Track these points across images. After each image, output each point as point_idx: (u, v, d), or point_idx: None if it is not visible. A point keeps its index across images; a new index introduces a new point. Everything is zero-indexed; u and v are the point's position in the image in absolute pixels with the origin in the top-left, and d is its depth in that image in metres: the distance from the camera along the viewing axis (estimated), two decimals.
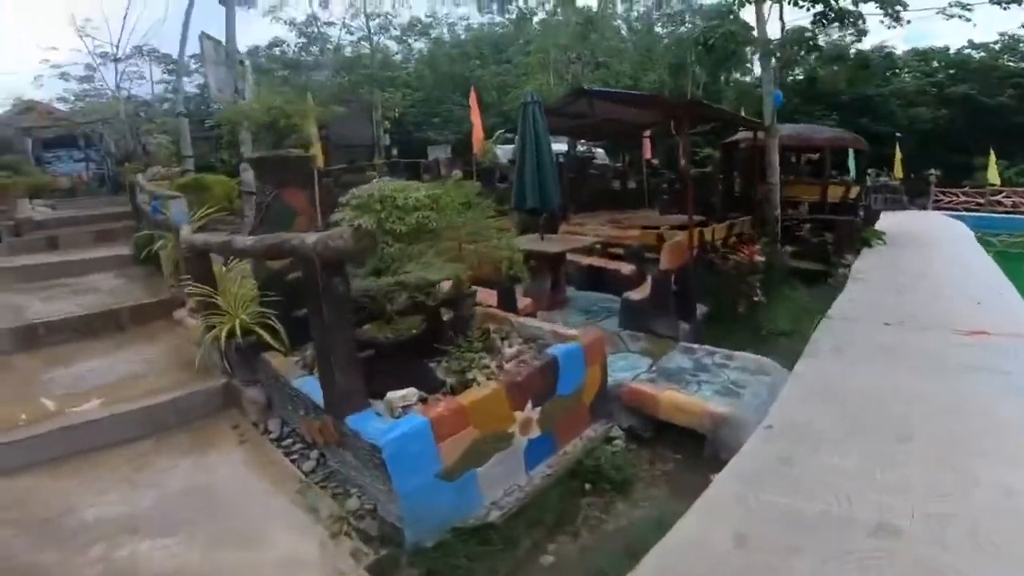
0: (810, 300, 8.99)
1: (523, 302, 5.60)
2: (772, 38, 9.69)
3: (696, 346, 5.41)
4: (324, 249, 2.72)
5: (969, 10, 11.12)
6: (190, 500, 3.23)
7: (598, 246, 8.14)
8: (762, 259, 6.90)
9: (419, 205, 3.77)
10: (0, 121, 15.89)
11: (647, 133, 14.32)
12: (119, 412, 3.92)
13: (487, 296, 5.17)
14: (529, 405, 3.57)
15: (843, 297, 7.66)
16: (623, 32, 29.55)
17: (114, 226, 9.55)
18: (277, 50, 18.31)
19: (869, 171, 22.72)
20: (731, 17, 9.93)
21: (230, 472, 3.55)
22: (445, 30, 19.07)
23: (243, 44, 17.93)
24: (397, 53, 19.52)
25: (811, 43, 9.82)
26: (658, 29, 23.08)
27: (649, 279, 5.97)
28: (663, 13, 17.71)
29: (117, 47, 15.86)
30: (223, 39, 8.30)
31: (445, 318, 4.09)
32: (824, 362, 5.36)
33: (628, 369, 4.86)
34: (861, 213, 14.79)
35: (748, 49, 9.90)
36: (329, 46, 18.19)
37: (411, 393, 3.32)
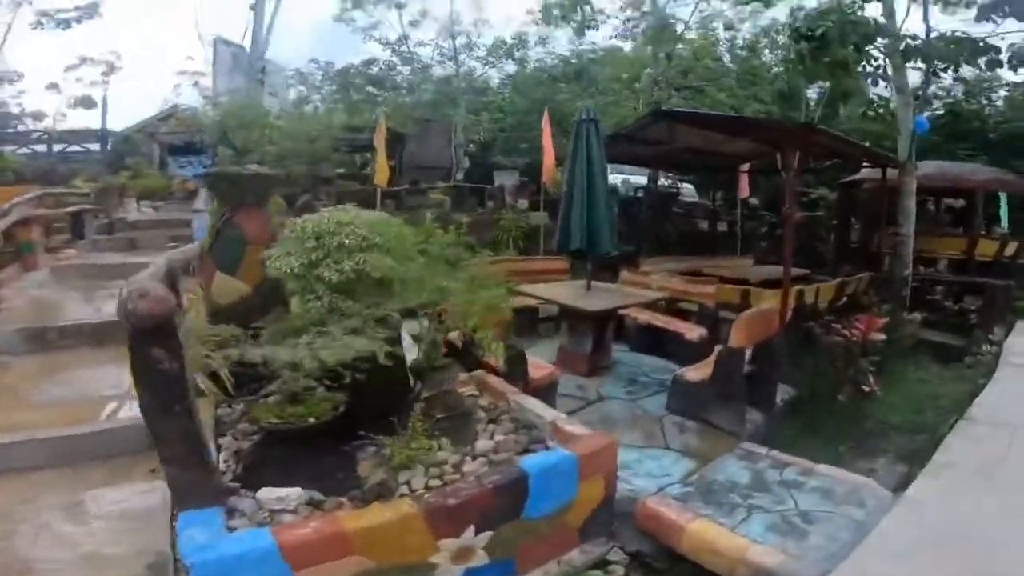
0: (941, 385, 7.03)
1: (542, 370, 4.40)
2: (913, 35, 7.66)
3: (761, 450, 3.96)
4: (128, 311, 1.80)
5: None
6: None
7: (663, 301, 6.80)
8: (881, 337, 5.20)
9: (365, 245, 2.81)
10: (136, 127, 17.14)
11: (744, 168, 12.60)
12: (22, 439, 3.29)
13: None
14: (471, 531, 2.44)
15: (993, 389, 5.68)
16: (725, 58, 27.60)
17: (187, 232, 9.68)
18: (375, 68, 18.39)
19: None
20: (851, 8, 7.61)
21: (86, 528, 2.71)
22: (532, 52, 18.19)
23: (342, 61, 18.30)
24: (482, 74, 19.04)
25: (965, 59, 7.56)
26: (766, 54, 21.15)
27: (715, 354, 4.59)
28: (770, 36, 15.73)
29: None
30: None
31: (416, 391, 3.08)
32: (957, 488, 3.67)
33: (656, 475, 3.57)
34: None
35: (876, 49, 7.51)
36: (418, 65, 18.07)
37: (294, 494, 2.33)
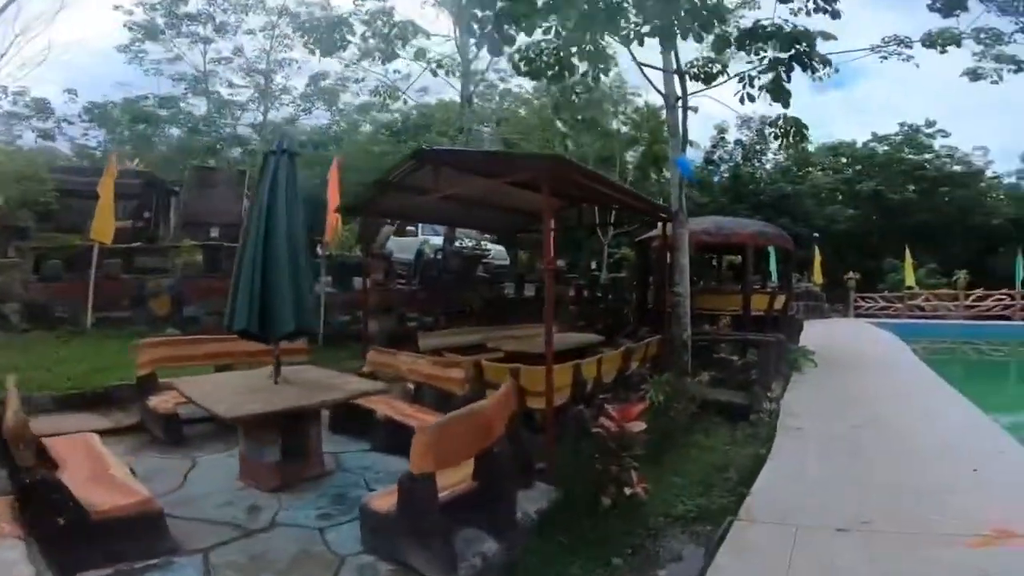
0: (730, 450, 6.50)
1: (127, 497, 2.62)
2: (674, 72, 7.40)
3: None
4: None
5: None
6: None
7: (412, 385, 5.39)
8: (640, 427, 4.21)
9: None
10: None
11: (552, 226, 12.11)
12: None
13: None
14: None
15: (769, 468, 5.05)
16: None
17: None
18: (150, 104, 15.53)
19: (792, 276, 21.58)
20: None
21: None
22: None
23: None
24: (295, 118, 17.16)
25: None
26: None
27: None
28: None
29: None
30: None
31: None
32: None
33: None
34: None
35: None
36: (213, 107, 15.69)
37: None
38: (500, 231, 11.80)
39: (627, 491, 3.88)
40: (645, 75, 7.36)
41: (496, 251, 13.94)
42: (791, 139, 6.95)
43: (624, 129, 30.83)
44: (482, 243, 13.48)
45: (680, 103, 7.54)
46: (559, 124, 28.05)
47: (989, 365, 16.23)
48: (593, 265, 15.98)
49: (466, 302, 10.45)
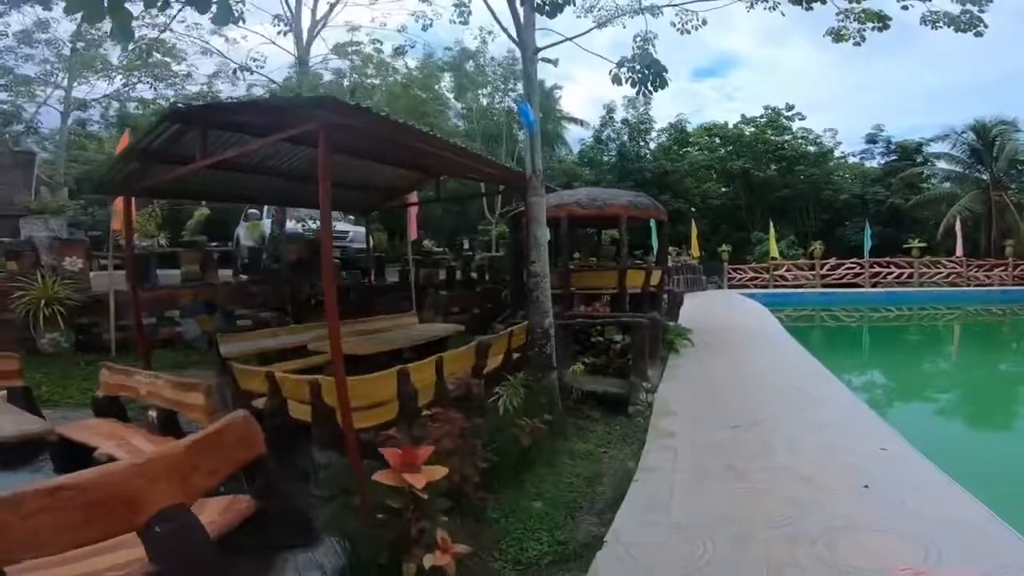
0: (605, 454, 5.54)
1: None
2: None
3: None
4: None
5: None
6: None
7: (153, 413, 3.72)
8: (424, 482, 2.77)
9: None
10: None
11: (411, 201, 10.47)
12: None
13: None
14: None
15: (631, 500, 3.93)
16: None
17: None
18: None
19: (671, 250, 21.63)
20: None
21: None
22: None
23: None
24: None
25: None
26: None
27: None
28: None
29: None
30: None
31: None
32: None
33: None
34: (665, 300, 12.29)
35: None
36: None
37: None
38: (350, 209, 9.99)
39: (427, 562, 2.54)
40: (492, 11, 5.95)
41: (355, 233, 12.05)
42: (650, 85, 5.88)
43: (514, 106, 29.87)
44: (335, 225, 11.50)
45: (537, 55, 6.24)
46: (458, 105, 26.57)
47: (846, 332, 17.02)
48: (466, 245, 14.56)
49: (311, 294, 8.63)
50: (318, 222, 10.91)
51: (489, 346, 6.16)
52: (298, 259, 9.12)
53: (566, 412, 6.95)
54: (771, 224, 23.13)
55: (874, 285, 20.61)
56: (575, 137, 33.73)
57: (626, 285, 9.07)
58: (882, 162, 31.33)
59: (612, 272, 9.34)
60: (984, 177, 24.38)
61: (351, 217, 12.84)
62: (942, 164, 27.32)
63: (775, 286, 21.53)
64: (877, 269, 21.02)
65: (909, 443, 4.45)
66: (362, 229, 12.73)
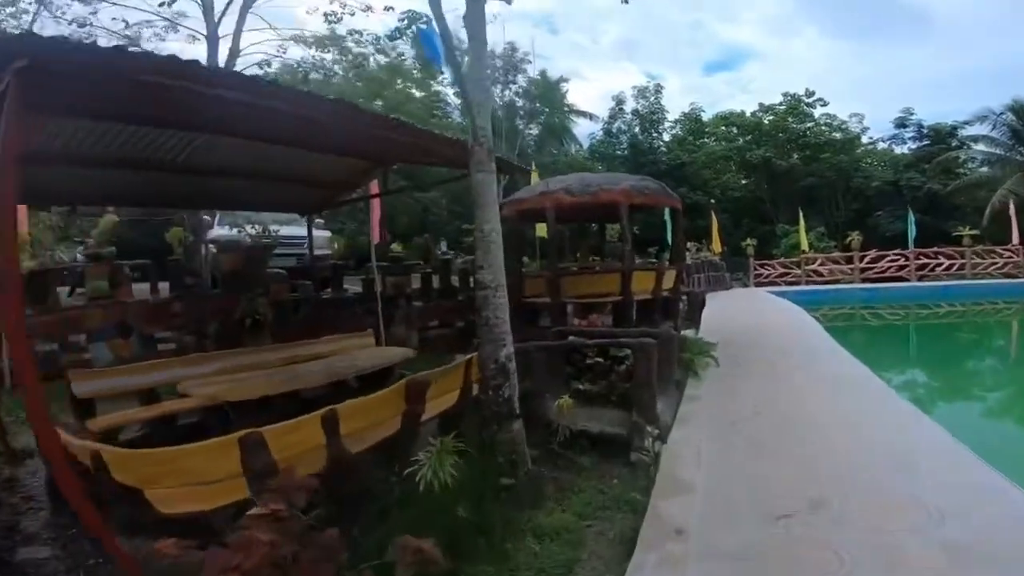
0: (591, 527, 3.72)
1: None
2: None
3: None
4: None
5: None
6: None
7: None
8: None
9: None
10: None
11: (374, 193, 8.61)
12: None
13: None
14: None
15: None
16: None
17: None
18: None
19: (690, 246, 19.40)
20: None
21: None
22: None
23: None
24: None
25: None
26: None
27: None
28: None
29: None
30: None
31: None
32: None
33: None
34: (684, 304, 10.20)
35: None
36: None
37: None
38: (286, 208, 8.17)
39: None
40: None
41: (317, 238, 10.18)
42: None
43: (519, 103, 28.26)
44: (270, 229, 9.44)
45: None
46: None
47: (897, 336, 14.56)
48: (444, 247, 12.60)
49: (248, 311, 6.84)
50: (258, 227, 9.19)
51: (427, 385, 4.24)
52: (232, 271, 7.35)
53: (550, 460, 5.06)
54: (800, 215, 20.69)
55: (920, 278, 18.00)
56: (584, 132, 31.88)
57: (631, 290, 7.06)
58: (914, 147, 28.68)
59: (613, 275, 7.33)
60: None
61: (320, 220, 11.12)
62: (980, 147, 24.77)
63: (808, 282, 19.09)
64: (924, 261, 18.38)
65: None
66: (325, 234, 10.99)
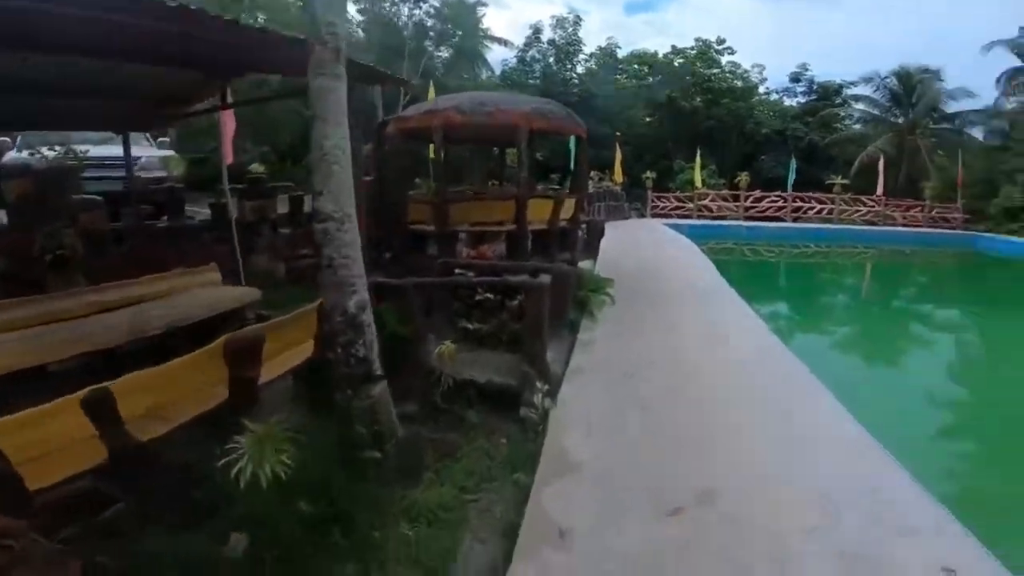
0: (470, 504, 3.10)
1: None
2: None
3: None
4: None
5: None
6: None
7: None
8: None
9: None
10: None
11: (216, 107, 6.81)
12: None
13: None
14: None
15: None
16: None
17: None
18: None
19: (593, 175, 18.94)
20: None
21: None
22: None
23: None
24: None
25: None
26: None
27: None
28: None
29: None
30: None
31: None
32: None
33: None
34: (583, 232, 9.66)
35: None
36: None
37: None
38: (106, 126, 6.34)
39: None
40: None
41: (148, 160, 8.23)
42: None
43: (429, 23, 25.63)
44: (76, 149, 7.28)
45: None
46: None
47: (771, 272, 15.37)
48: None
49: (51, 246, 5.23)
50: (56, 149, 7.11)
51: (258, 341, 3.23)
52: (23, 198, 5.62)
53: (432, 416, 4.37)
54: (698, 154, 20.95)
55: (795, 219, 19.13)
56: (497, 59, 29.89)
57: (527, 219, 6.26)
58: (803, 101, 30.33)
59: (508, 203, 6.45)
60: (899, 121, 24.07)
61: (166, 140, 9.04)
62: (860, 106, 26.85)
63: (698, 216, 19.63)
64: (799, 204, 19.49)
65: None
66: (160, 153, 8.88)
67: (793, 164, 19.97)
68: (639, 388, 4.10)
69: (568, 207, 7.27)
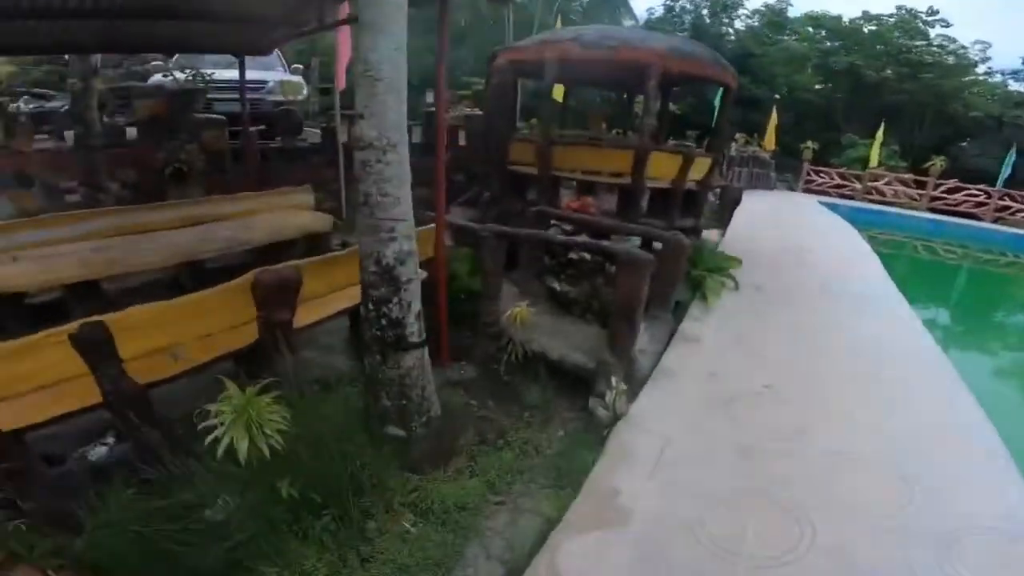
0: (506, 499, 2.42)
1: None
2: None
3: None
4: None
5: None
6: None
7: None
8: None
9: None
10: None
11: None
12: None
13: None
14: None
15: None
16: None
17: None
18: None
19: (738, 137, 16.54)
20: None
21: None
22: None
23: None
24: None
25: None
26: None
27: None
28: None
29: None
30: None
31: None
32: None
33: None
34: (715, 198, 8.26)
35: None
36: None
37: None
38: (228, 50, 6.24)
39: None
40: None
41: (275, 84, 8.38)
42: None
43: None
44: (204, 73, 7.59)
45: None
46: None
47: (960, 281, 12.35)
48: (429, 98, 9.91)
49: (168, 160, 5.47)
50: (189, 72, 7.51)
51: (293, 281, 2.74)
52: (152, 117, 5.93)
53: (489, 387, 3.71)
54: (881, 129, 17.40)
55: (996, 220, 15.18)
56: (642, 6, 27.29)
57: (644, 173, 5.14)
58: None
59: (624, 152, 5.34)
60: None
61: (299, 66, 9.18)
62: None
63: (865, 199, 16.42)
64: (1007, 204, 15.38)
65: None
66: (287, 77, 9.00)
67: (1011, 157, 15.77)
68: (744, 421, 3.01)
69: (700, 166, 5.96)
